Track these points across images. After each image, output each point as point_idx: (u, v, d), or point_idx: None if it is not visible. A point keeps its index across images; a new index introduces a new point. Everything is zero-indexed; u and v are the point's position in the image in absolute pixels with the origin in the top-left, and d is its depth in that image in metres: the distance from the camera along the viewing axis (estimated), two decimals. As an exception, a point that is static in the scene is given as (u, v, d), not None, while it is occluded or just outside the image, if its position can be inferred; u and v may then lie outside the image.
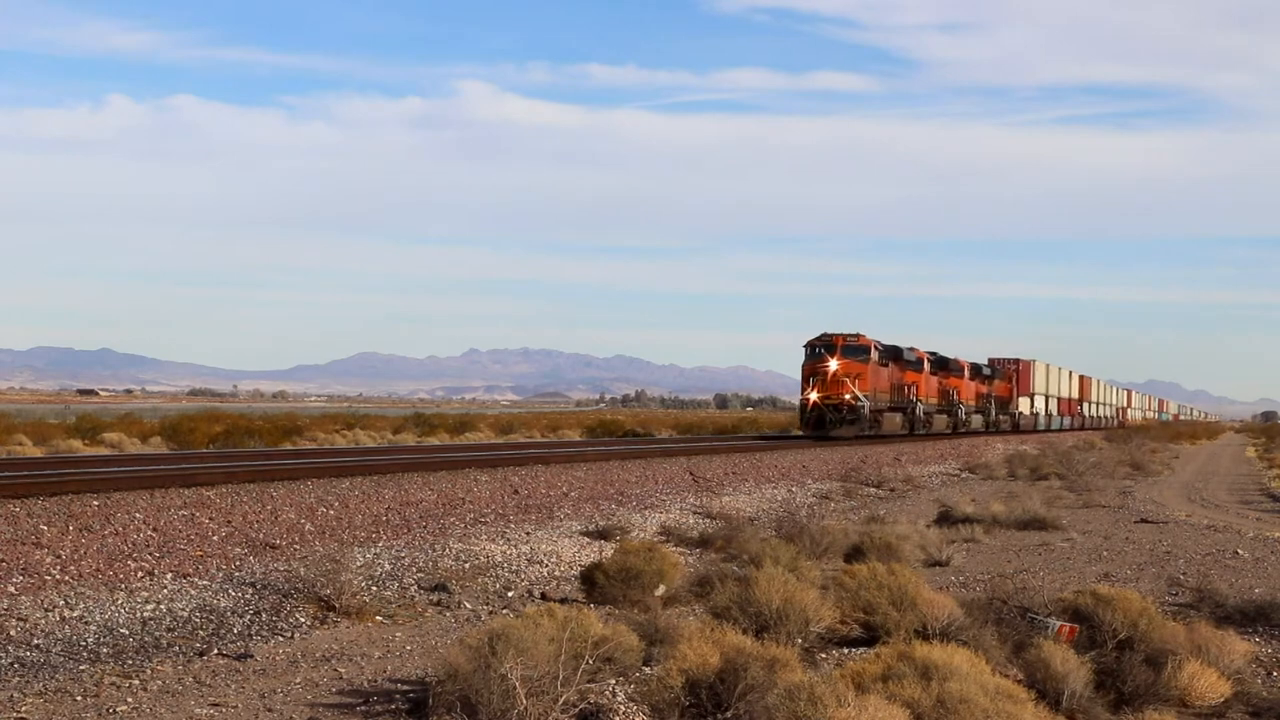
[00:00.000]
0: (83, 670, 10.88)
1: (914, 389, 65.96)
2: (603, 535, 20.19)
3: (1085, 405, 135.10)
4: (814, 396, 56.11)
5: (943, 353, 77.69)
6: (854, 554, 18.01)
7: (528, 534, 19.72)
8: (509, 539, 19.07)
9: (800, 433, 58.27)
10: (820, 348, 57.28)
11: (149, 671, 10.96)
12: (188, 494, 19.95)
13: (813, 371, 56.71)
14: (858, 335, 57.44)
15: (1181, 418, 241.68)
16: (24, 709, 9.71)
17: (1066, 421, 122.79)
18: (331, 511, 19.67)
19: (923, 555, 18.98)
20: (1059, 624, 11.98)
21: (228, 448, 40.89)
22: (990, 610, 12.59)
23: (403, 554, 16.96)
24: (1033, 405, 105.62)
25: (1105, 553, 21.10)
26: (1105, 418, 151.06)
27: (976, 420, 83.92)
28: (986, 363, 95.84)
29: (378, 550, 16.99)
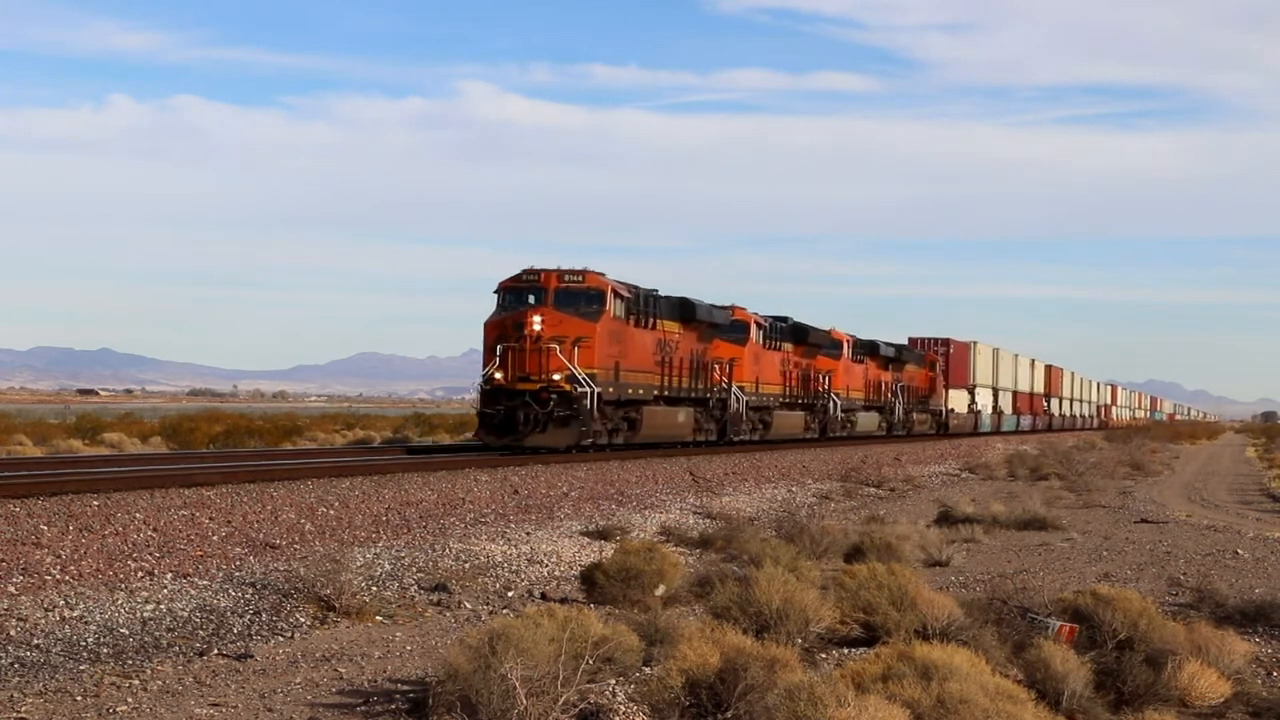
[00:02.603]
0: (83, 670, 10.88)
1: (725, 370, 42.97)
2: (603, 535, 20.19)
3: (1054, 402, 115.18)
4: (500, 376, 32.88)
5: (814, 323, 54.73)
6: (854, 554, 18.00)
7: (528, 534, 19.72)
8: (509, 539, 19.06)
9: (479, 439, 34.58)
10: (526, 292, 34.06)
11: (149, 671, 10.96)
12: (188, 494, 19.95)
13: (501, 333, 33.20)
14: (584, 273, 34.12)
15: (1178, 417, 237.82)
16: (24, 709, 9.71)
17: (1026, 422, 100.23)
18: (331, 511, 19.67)
19: (923, 555, 18.98)
20: (1059, 624, 11.97)
21: (228, 448, 40.88)
22: (990, 610, 12.58)
23: (403, 554, 16.96)
24: (972, 400, 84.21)
25: (1105, 553, 21.10)
26: (1083, 417, 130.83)
27: (866, 420, 60.85)
28: (906, 342, 75.13)
29: (378, 550, 16.99)
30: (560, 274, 34.07)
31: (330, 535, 17.72)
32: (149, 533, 16.33)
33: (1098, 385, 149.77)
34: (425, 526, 19.38)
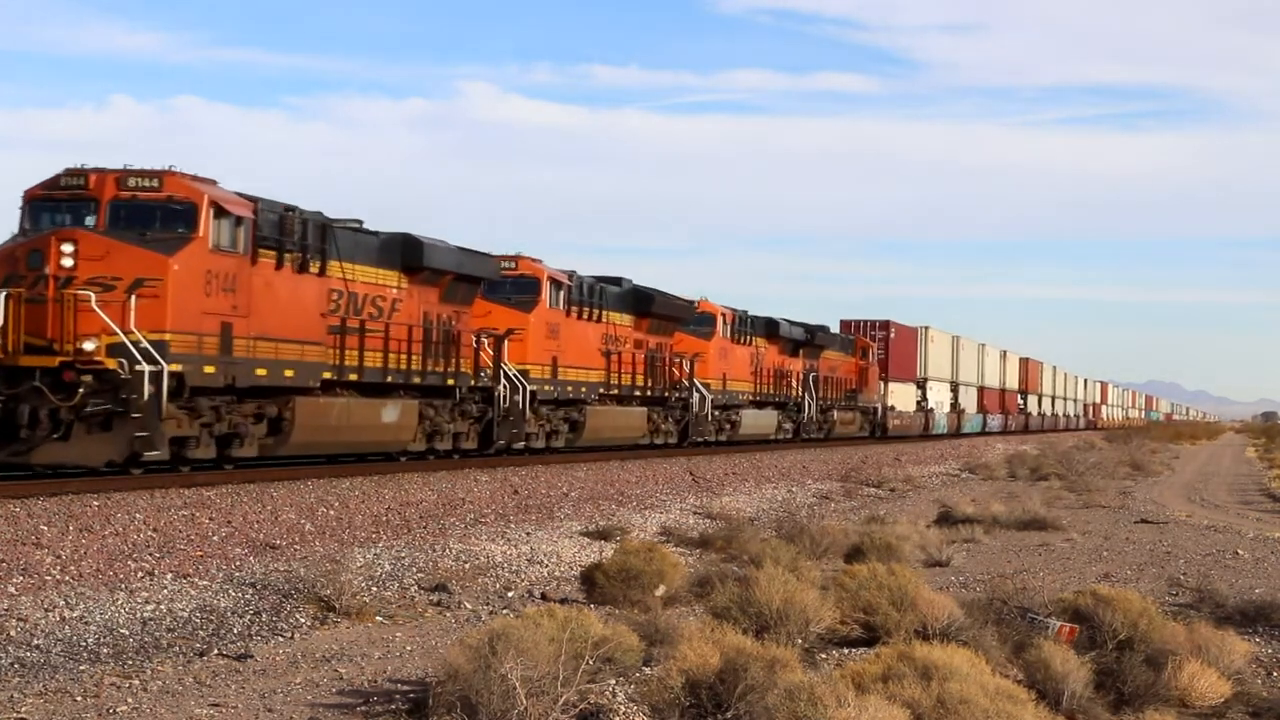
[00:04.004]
0: (83, 670, 10.87)
1: (493, 347, 29.86)
2: (603, 535, 20.19)
3: (1032, 399, 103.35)
4: None
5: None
6: (854, 554, 17.99)
7: (528, 534, 19.73)
8: (509, 539, 19.07)
9: None
10: (70, 208, 21.51)
11: (149, 672, 10.95)
12: (188, 494, 19.96)
13: (11, 272, 20.68)
14: (164, 174, 21.39)
15: (1176, 417, 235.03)
16: (24, 709, 9.70)
17: (995, 422, 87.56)
18: (331, 511, 19.68)
19: (923, 555, 18.98)
20: (1059, 624, 11.98)
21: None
22: (990, 610, 12.59)
23: (403, 554, 16.96)
24: (922, 396, 70.97)
25: (1105, 553, 21.10)
26: (1067, 417, 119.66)
27: (757, 419, 47.44)
28: (838, 325, 62.69)
29: (378, 550, 16.99)
30: (123, 176, 21.27)
31: (330, 535, 17.73)
32: (149, 533, 16.34)
33: (1084, 382, 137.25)
34: (425, 526, 19.38)
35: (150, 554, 15.13)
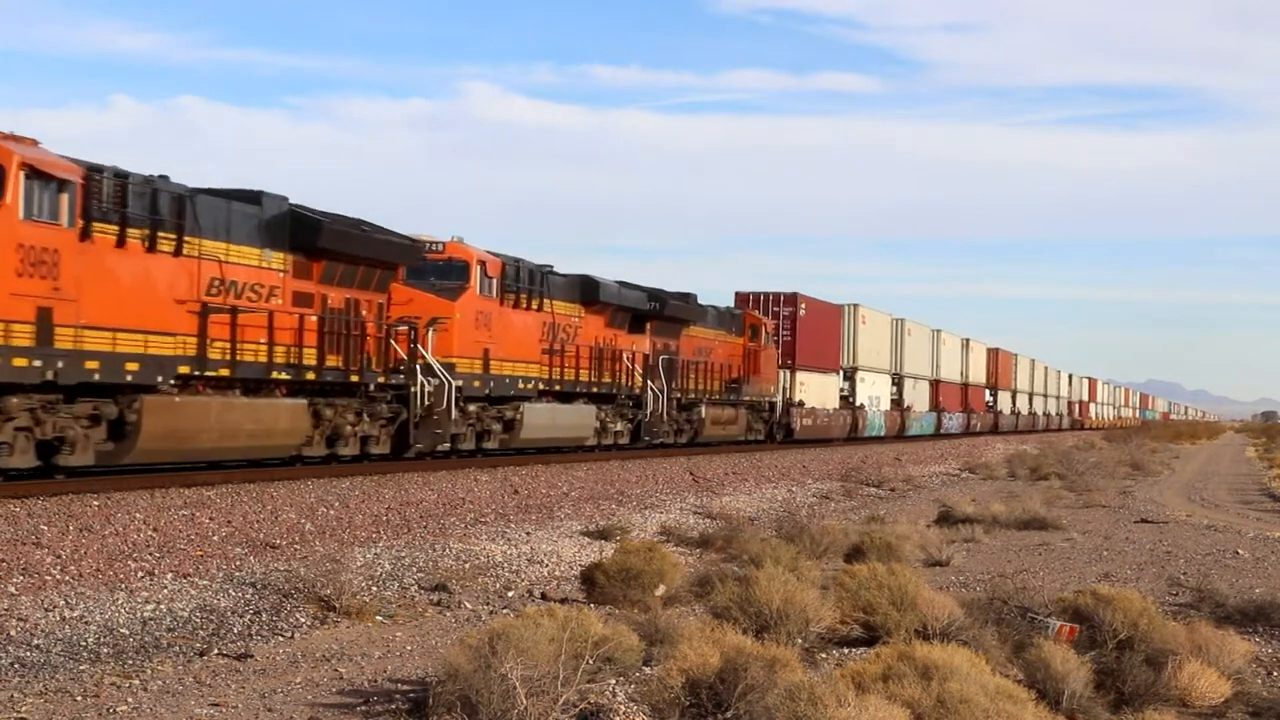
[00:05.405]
0: (83, 670, 10.88)
1: None
2: (603, 535, 20.20)
3: (1004, 396, 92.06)
4: None
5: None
6: (854, 554, 18.00)
7: (528, 534, 19.73)
8: (509, 539, 19.07)
9: None
10: None
11: (149, 671, 10.95)
12: (188, 494, 19.97)
13: None
14: None
15: (1173, 417, 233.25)
16: (24, 709, 9.70)
17: (955, 422, 75.70)
18: (331, 511, 19.68)
19: (923, 555, 18.98)
20: (1059, 624, 11.98)
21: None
22: (990, 610, 12.59)
23: (403, 554, 16.96)
24: (850, 391, 58.91)
25: (1105, 553, 21.10)
26: (1047, 415, 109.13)
27: (556, 418, 33.84)
28: (737, 301, 50.84)
29: (378, 550, 16.99)
30: None
31: (330, 535, 17.73)
32: (149, 533, 16.34)
33: (1069, 378, 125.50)
34: (425, 526, 19.39)
35: (150, 554, 15.13)
